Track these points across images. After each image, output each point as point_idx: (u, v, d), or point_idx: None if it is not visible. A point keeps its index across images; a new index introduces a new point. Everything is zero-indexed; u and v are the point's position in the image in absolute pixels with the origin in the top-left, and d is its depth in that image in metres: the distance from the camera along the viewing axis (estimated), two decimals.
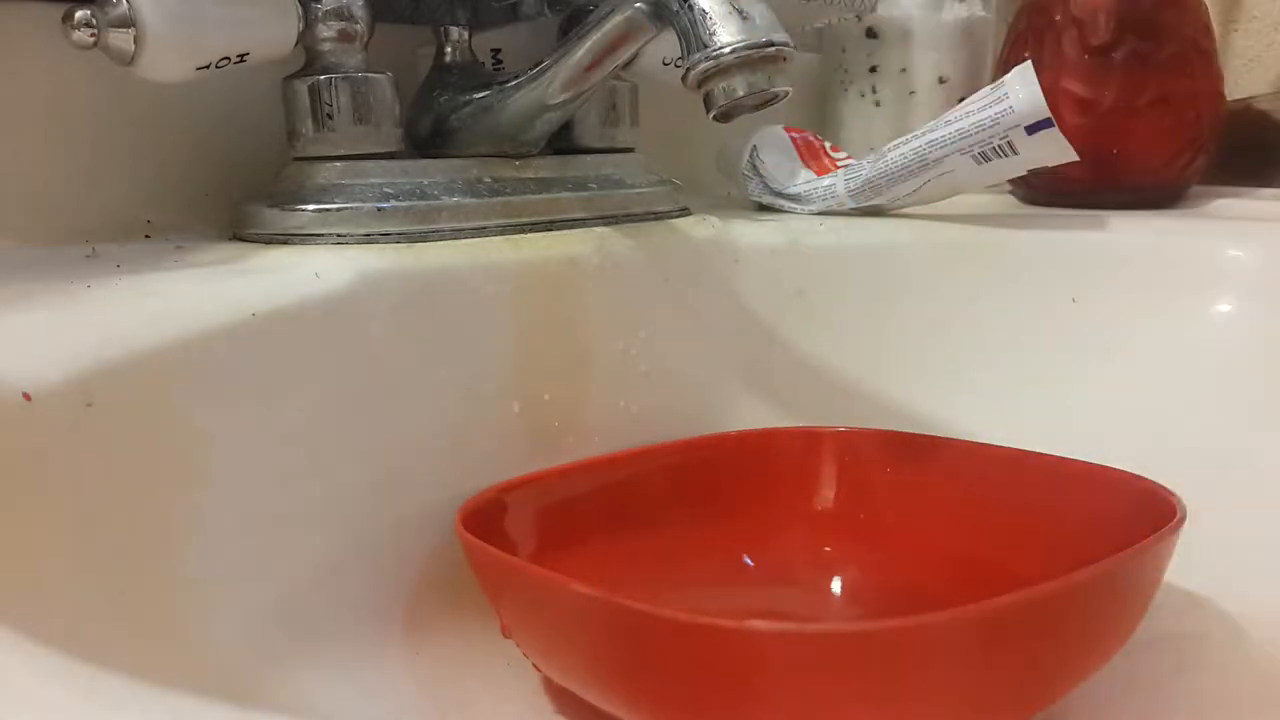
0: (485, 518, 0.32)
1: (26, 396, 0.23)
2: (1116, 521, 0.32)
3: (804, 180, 0.53)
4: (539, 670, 0.31)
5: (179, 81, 0.34)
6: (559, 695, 0.32)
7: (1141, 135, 0.55)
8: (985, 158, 0.48)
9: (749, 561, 0.38)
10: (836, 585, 0.38)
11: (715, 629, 0.24)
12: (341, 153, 0.38)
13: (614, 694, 0.27)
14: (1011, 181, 0.58)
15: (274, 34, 0.36)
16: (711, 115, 0.33)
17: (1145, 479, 0.32)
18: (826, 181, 0.52)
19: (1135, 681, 0.30)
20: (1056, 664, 0.26)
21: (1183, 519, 0.28)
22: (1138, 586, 0.28)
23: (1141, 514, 0.30)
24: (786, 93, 0.33)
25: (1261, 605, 0.33)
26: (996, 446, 0.37)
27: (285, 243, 0.37)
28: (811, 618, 0.37)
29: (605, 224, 0.42)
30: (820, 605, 0.38)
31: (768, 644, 0.24)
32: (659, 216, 0.44)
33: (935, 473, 0.38)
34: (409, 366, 0.34)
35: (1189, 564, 0.31)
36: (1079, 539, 0.32)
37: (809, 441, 0.40)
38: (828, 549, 0.39)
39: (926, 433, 0.40)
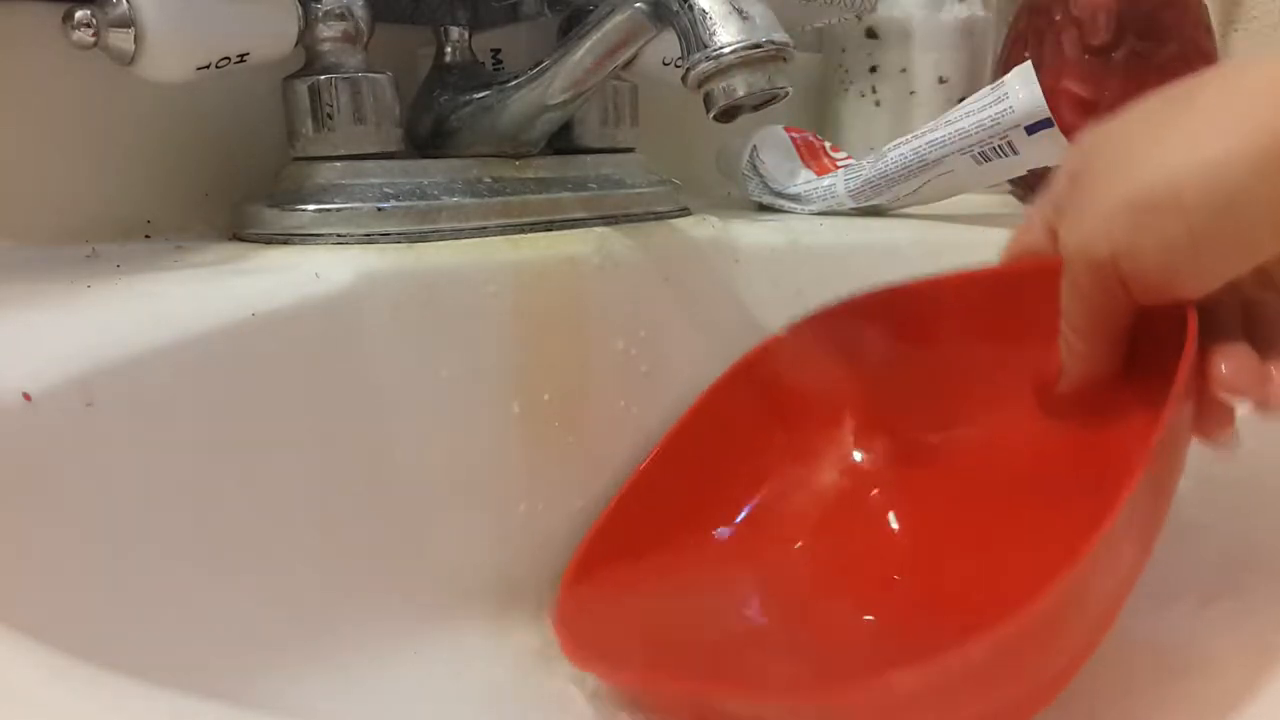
0: (572, 613, 0.33)
1: (26, 396, 0.23)
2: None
3: (804, 180, 0.53)
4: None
5: (179, 81, 0.34)
6: (576, 689, 0.32)
7: None
8: (985, 158, 0.48)
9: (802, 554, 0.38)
10: (894, 519, 0.37)
11: (860, 691, 0.24)
12: (341, 153, 0.38)
13: None
14: (1011, 181, 0.58)
15: (274, 34, 0.36)
16: (711, 115, 0.33)
17: None
18: (826, 181, 0.52)
19: (1136, 682, 0.30)
20: (1146, 535, 0.26)
21: (1195, 329, 0.27)
22: (1186, 416, 0.27)
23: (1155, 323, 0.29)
24: (786, 92, 0.33)
25: (1263, 606, 0.33)
26: (986, 269, 0.35)
27: (285, 243, 0.37)
28: (890, 573, 0.36)
29: (605, 224, 0.42)
30: (889, 551, 0.37)
31: (907, 686, 0.23)
32: (659, 216, 0.44)
33: (931, 317, 0.37)
34: (409, 366, 0.34)
35: (1191, 565, 0.31)
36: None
37: (792, 346, 0.40)
38: (862, 485, 0.38)
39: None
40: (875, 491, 0.38)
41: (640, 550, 0.36)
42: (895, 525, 0.37)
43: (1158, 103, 0.29)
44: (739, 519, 0.38)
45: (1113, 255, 0.28)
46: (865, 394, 0.39)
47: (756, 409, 0.40)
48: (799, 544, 0.38)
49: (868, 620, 0.34)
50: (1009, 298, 0.35)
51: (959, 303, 0.36)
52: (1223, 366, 0.27)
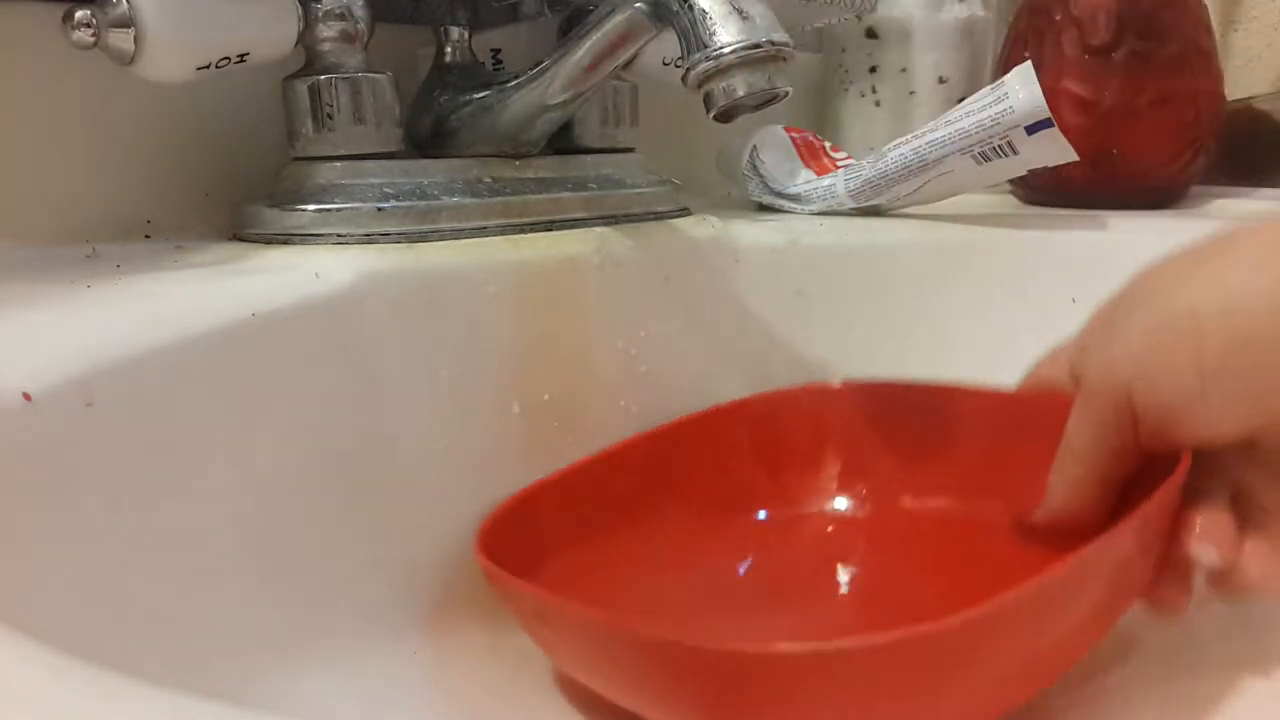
0: (499, 537, 0.32)
1: (26, 396, 0.23)
2: None
3: (804, 180, 0.53)
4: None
5: (179, 81, 0.34)
6: (573, 689, 0.32)
7: (1141, 135, 0.55)
8: (985, 158, 0.48)
9: (753, 564, 0.38)
10: (848, 557, 0.38)
11: (742, 655, 0.24)
12: (341, 153, 0.38)
13: (645, 708, 0.28)
14: (1011, 181, 0.58)
15: (274, 34, 0.36)
16: (711, 115, 0.33)
17: None
18: (826, 181, 0.52)
19: (1139, 680, 0.30)
20: (1072, 634, 0.26)
21: (1187, 465, 0.28)
22: (1150, 541, 0.27)
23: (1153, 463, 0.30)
24: (786, 93, 0.33)
25: (1262, 607, 0.32)
26: (996, 390, 0.37)
27: (285, 243, 0.37)
28: (831, 601, 0.36)
29: (605, 224, 0.42)
30: (836, 583, 0.37)
31: (794, 664, 0.24)
32: (659, 216, 0.44)
33: (934, 420, 0.38)
34: (409, 367, 0.34)
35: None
36: None
37: (811, 400, 0.40)
38: (830, 528, 0.39)
39: None
40: (842, 537, 0.39)
41: (589, 509, 0.36)
42: (851, 572, 0.38)
43: (1193, 249, 0.29)
44: (696, 521, 0.38)
45: (1129, 381, 0.28)
46: (860, 457, 0.40)
47: (753, 438, 0.40)
48: (748, 562, 0.38)
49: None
50: (1013, 420, 0.36)
51: (967, 412, 0.38)
52: (1199, 522, 0.28)
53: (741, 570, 0.38)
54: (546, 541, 0.34)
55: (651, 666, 0.26)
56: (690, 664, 0.25)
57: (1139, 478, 0.30)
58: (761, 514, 0.39)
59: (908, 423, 0.39)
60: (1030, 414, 0.35)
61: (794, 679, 0.24)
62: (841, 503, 0.40)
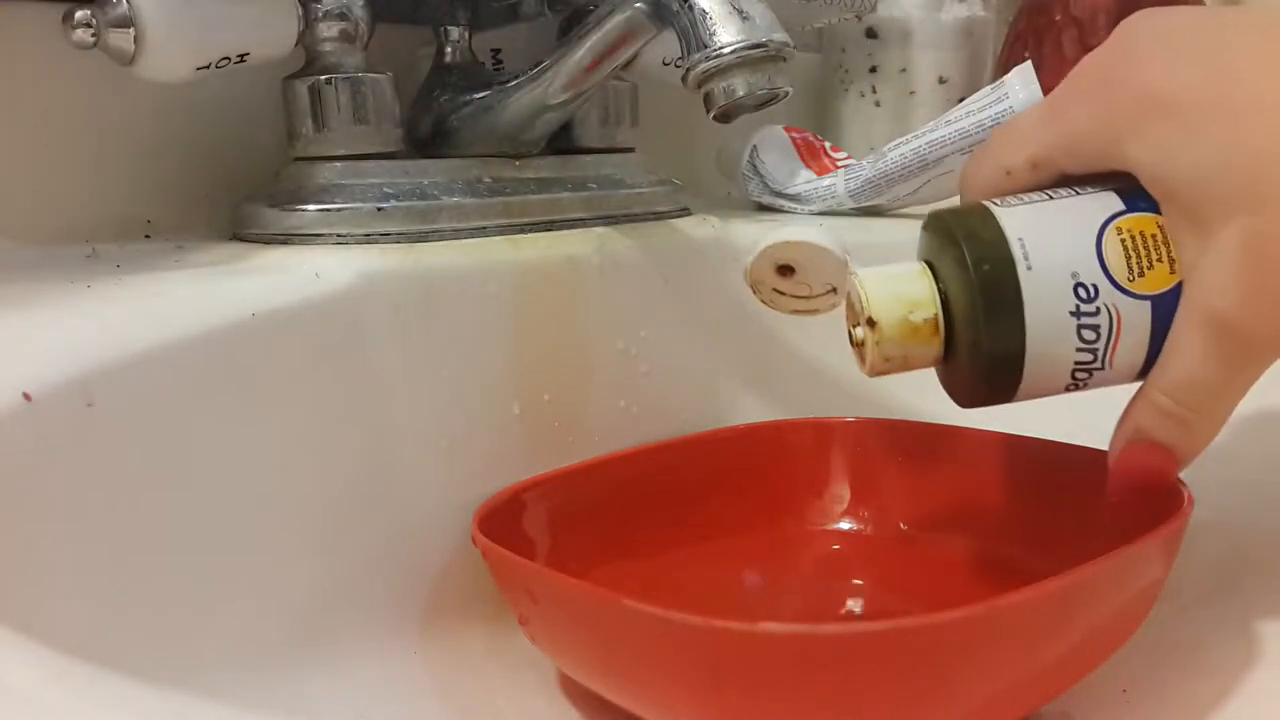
0: (499, 520, 0.32)
1: (26, 396, 0.23)
2: (1125, 507, 0.32)
3: (804, 180, 0.53)
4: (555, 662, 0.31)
5: (179, 81, 0.34)
6: (574, 691, 0.32)
7: None
8: None
9: (751, 579, 0.38)
10: (846, 580, 0.38)
11: (731, 633, 0.24)
12: (341, 153, 0.38)
13: (628, 692, 0.28)
14: None
15: (274, 34, 0.36)
16: (711, 115, 0.33)
17: None
18: (826, 181, 0.52)
19: (1139, 680, 0.30)
20: (1065, 658, 0.26)
21: (1191, 505, 0.28)
22: (1148, 575, 0.28)
23: (1150, 499, 0.30)
24: (787, 93, 0.33)
25: (1263, 606, 0.33)
26: (1004, 433, 0.37)
27: (285, 243, 0.37)
28: (822, 613, 0.37)
29: (605, 224, 0.42)
30: (830, 601, 0.38)
31: (779, 645, 0.24)
32: (659, 216, 0.44)
33: (943, 460, 0.38)
34: (409, 367, 0.34)
35: (1191, 565, 0.31)
36: (1088, 525, 0.33)
37: (819, 433, 0.40)
38: (836, 546, 0.39)
39: None
40: (844, 562, 0.39)
41: (589, 510, 0.36)
42: (849, 595, 0.38)
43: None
44: (698, 535, 0.38)
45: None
46: (866, 489, 0.40)
47: (761, 462, 0.40)
48: (748, 577, 0.38)
49: None
50: (1023, 463, 0.36)
51: (976, 452, 0.38)
52: None
53: (739, 583, 0.38)
54: (543, 535, 0.34)
55: (638, 643, 0.26)
56: (678, 641, 0.25)
57: (1143, 513, 0.30)
58: (765, 535, 0.39)
59: (916, 460, 0.39)
60: (1035, 458, 0.36)
61: (782, 662, 0.24)
62: (845, 530, 0.40)
